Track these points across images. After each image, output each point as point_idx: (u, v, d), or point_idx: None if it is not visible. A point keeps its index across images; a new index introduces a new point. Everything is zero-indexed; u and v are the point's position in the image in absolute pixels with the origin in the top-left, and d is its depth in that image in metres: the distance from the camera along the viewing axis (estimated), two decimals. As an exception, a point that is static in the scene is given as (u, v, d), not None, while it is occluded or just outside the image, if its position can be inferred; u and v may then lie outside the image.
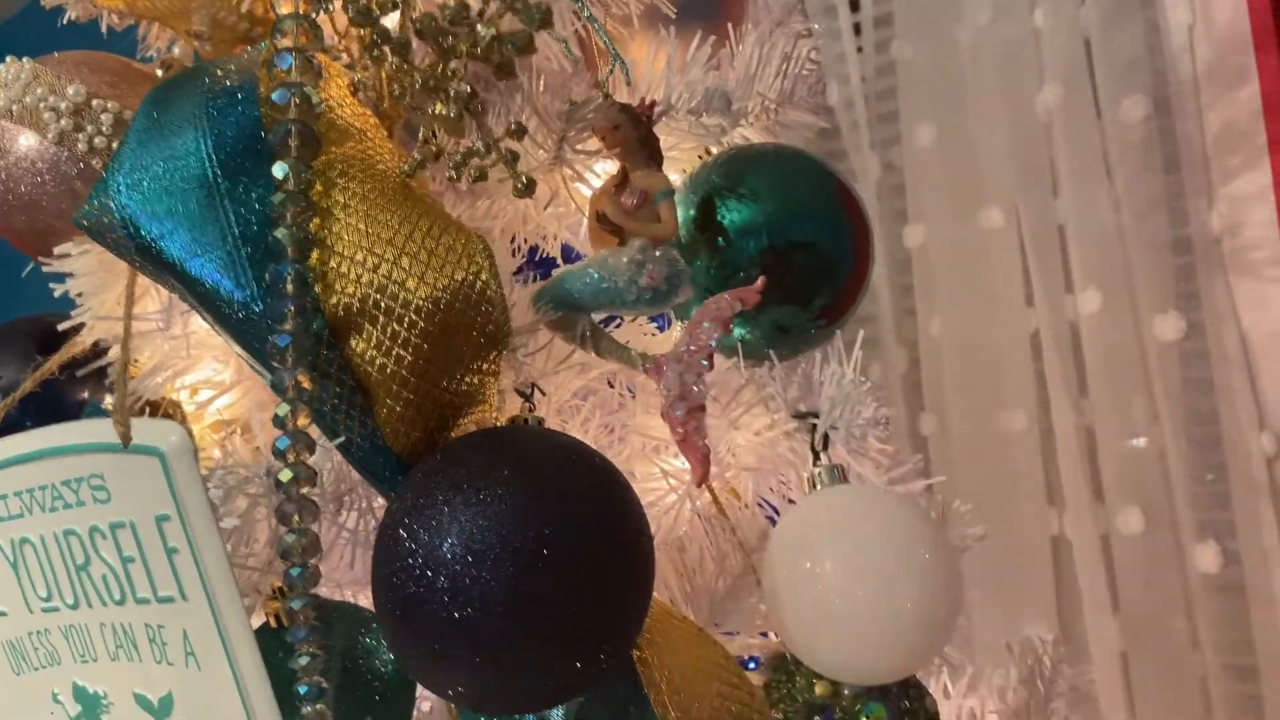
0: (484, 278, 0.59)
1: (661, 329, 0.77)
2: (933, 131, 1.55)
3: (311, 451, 0.56)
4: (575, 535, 0.54)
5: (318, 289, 0.59)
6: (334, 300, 0.59)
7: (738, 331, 0.71)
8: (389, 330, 0.58)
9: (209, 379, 0.68)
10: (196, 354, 0.68)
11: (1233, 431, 1.32)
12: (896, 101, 1.62)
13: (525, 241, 0.74)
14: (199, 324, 0.67)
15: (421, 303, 0.58)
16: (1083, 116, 1.42)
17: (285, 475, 0.56)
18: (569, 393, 0.71)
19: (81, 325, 0.68)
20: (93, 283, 0.66)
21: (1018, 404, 1.48)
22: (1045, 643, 0.79)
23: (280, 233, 0.58)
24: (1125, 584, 1.37)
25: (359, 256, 0.59)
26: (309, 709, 0.56)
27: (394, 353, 0.58)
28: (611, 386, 0.76)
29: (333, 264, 0.59)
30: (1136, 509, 1.35)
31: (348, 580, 0.73)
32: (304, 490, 0.56)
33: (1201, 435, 1.35)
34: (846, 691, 0.65)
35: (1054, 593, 1.46)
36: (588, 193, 0.68)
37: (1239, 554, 1.32)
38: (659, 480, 0.69)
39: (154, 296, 0.65)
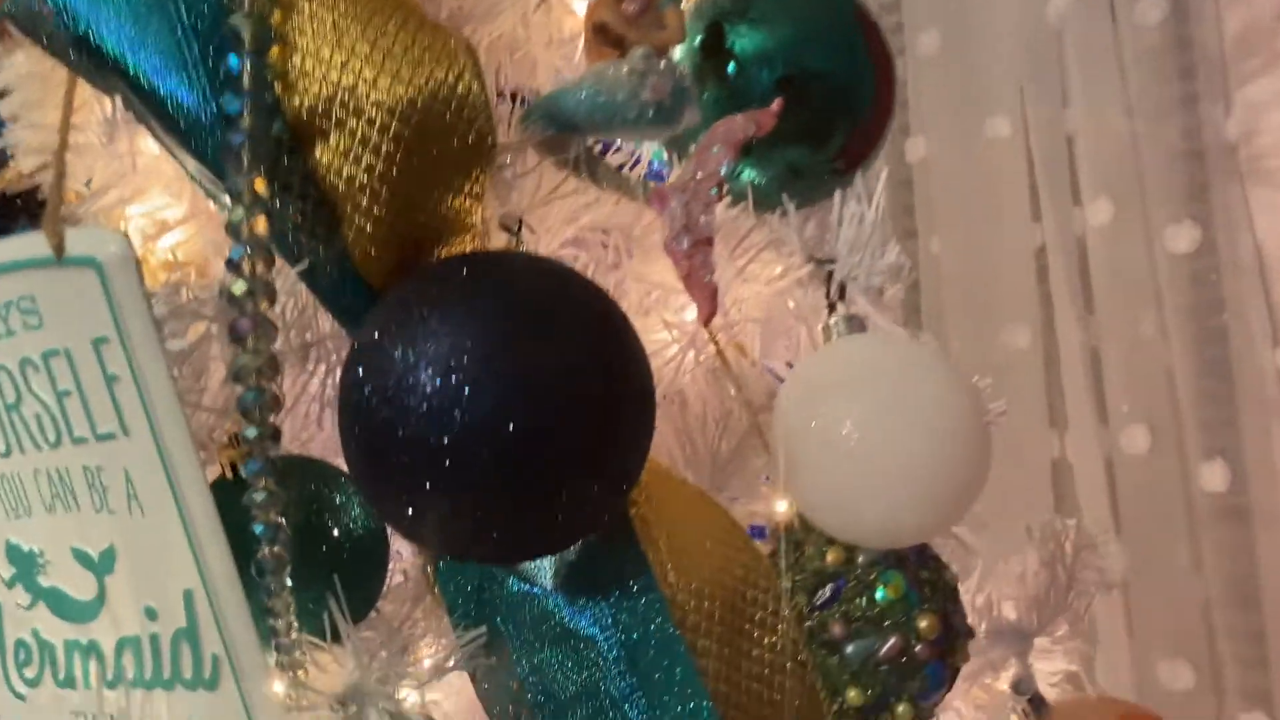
0: (466, 78, 0.52)
1: (661, 179, 0.71)
2: (936, 39, 1.48)
3: (270, 263, 0.50)
4: (570, 360, 0.48)
5: (278, 89, 0.52)
6: (296, 102, 0.52)
7: (747, 174, 0.65)
8: (358, 134, 0.51)
9: (158, 212, 0.62)
10: (144, 181, 0.61)
11: (1243, 346, 1.27)
12: (900, 14, 1.55)
13: (507, 79, 0.67)
14: (148, 146, 0.60)
15: (395, 103, 0.51)
16: (1096, 20, 1.35)
17: (239, 288, 0.49)
18: (559, 241, 0.65)
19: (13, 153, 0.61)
20: (23, 98, 0.59)
21: (1021, 322, 1.43)
22: (1068, 526, 0.73)
23: (236, 20, 0.51)
24: (1128, 507, 1.33)
25: (325, 53, 0.52)
26: (266, 550, 0.49)
27: (364, 160, 0.52)
28: (605, 245, 0.69)
29: (295, 61, 0.52)
30: (1142, 427, 1.31)
31: (316, 443, 0.66)
32: (262, 306, 0.49)
33: (1212, 350, 1.30)
34: (860, 559, 0.59)
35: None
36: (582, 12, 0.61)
37: (1247, 473, 1.27)
38: (659, 332, 0.63)
39: (95, 109, 0.58)
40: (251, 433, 0.49)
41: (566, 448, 0.47)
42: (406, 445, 0.47)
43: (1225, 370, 1.30)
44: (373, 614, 0.60)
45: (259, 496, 0.49)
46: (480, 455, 0.47)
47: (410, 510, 0.49)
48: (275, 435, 0.49)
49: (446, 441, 0.47)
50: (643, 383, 0.50)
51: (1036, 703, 0.70)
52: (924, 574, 0.60)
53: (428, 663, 0.54)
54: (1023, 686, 0.71)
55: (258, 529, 0.49)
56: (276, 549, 0.50)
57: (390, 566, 0.62)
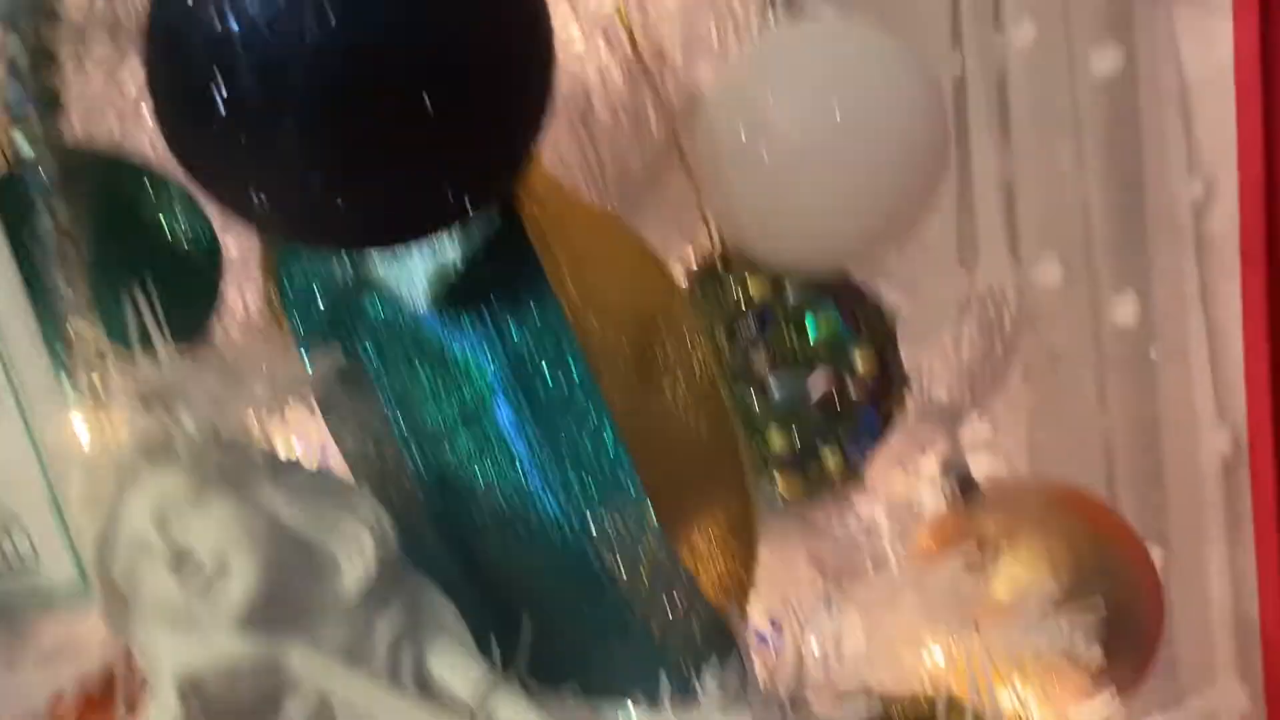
0: None
1: None
2: None
3: None
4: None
5: None
6: None
7: None
8: None
9: None
10: None
11: (1160, 176, 1.23)
12: None
13: None
14: None
15: None
16: None
17: None
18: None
19: None
20: None
21: (935, 155, 1.36)
22: (1005, 296, 0.67)
23: None
24: (1035, 340, 1.29)
25: None
26: (51, 227, 0.38)
27: None
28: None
29: None
30: (1055, 260, 1.26)
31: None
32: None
33: (1129, 180, 1.26)
34: (790, 291, 0.51)
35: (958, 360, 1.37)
36: None
37: (1156, 308, 1.25)
38: (561, 18, 0.52)
39: None
40: (17, 52, 0.37)
41: (444, 78, 0.37)
42: (232, 82, 0.36)
43: (1140, 201, 1.26)
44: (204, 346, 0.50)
45: (27, 138, 0.37)
46: (329, 88, 0.36)
47: (230, 173, 0.39)
48: (50, 59, 0.37)
49: (285, 73, 0.36)
50: (542, 19, 0.40)
51: (966, 484, 0.64)
52: (860, 311, 0.52)
53: (266, 386, 0.43)
54: (952, 467, 0.65)
55: (33, 189, 0.38)
56: (63, 225, 0.39)
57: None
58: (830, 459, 0.50)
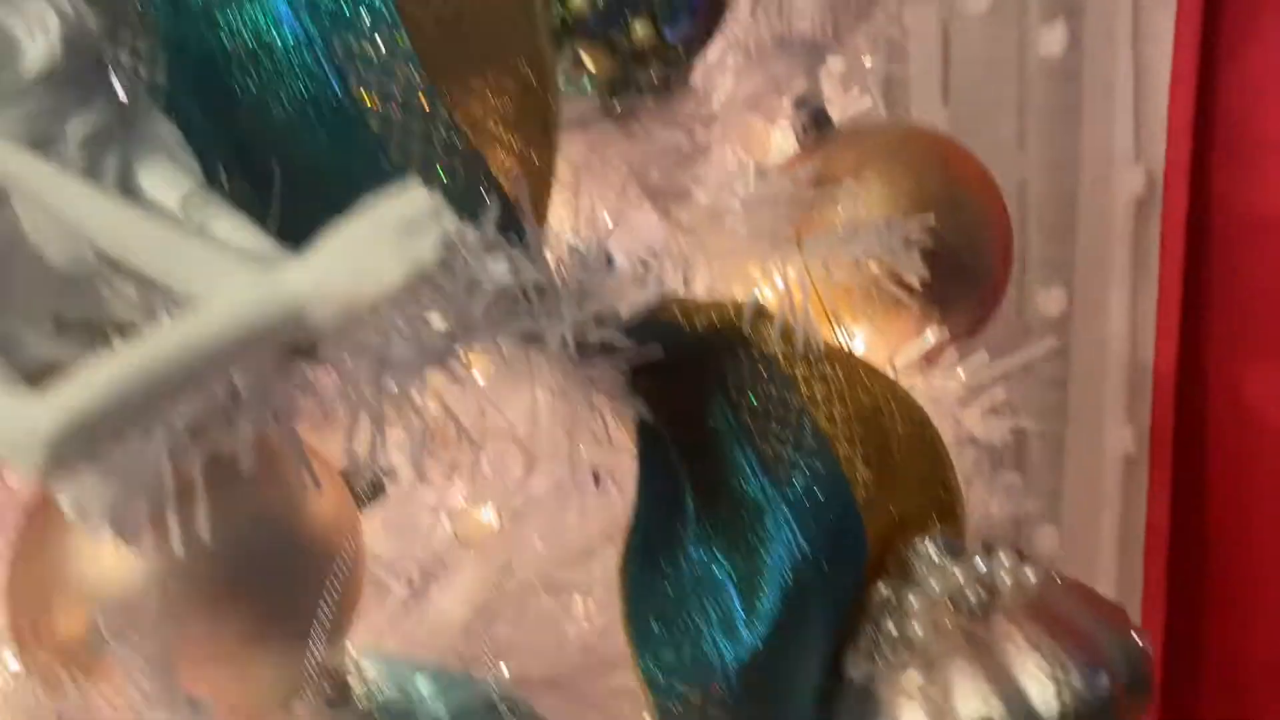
0: None
1: None
2: None
3: None
4: None
5: None
6: None
7: None
8: None
9: None
10: None
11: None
12: None
13: None
14: None
15: None
16: None
17: None
18: None
19: None
20: None
21: None
22: (878, -82, 0.61)
23: None
24: (959, 74, 1.23)
25: None
26: None
27: None
28: None
29: None
30: (985, -16, 1.19)
31: None
32: None
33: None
34: None
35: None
36: None
37: (1085, 35, 1.19)
38: None
39: None
40: None
41: None
42: None
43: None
44: None
45: None
46: None
47: None
48: None
49: None
50: None
51: (818, 118, 0.60)
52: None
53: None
54: (806, 101, 0.60)
55: None
56: None
57: None
58: (639, 29, 0.45)
